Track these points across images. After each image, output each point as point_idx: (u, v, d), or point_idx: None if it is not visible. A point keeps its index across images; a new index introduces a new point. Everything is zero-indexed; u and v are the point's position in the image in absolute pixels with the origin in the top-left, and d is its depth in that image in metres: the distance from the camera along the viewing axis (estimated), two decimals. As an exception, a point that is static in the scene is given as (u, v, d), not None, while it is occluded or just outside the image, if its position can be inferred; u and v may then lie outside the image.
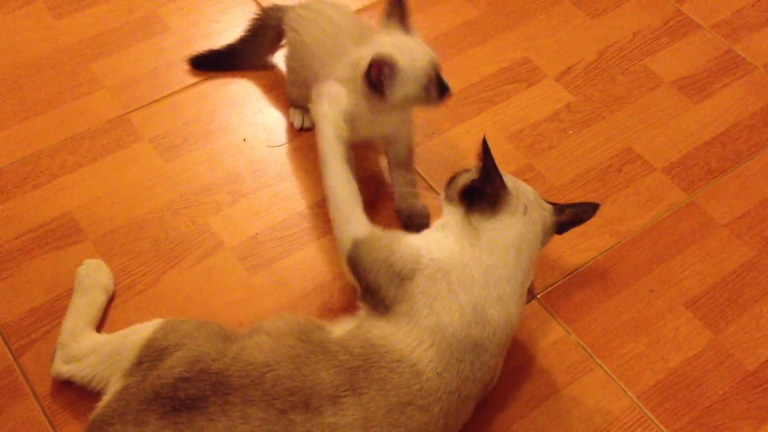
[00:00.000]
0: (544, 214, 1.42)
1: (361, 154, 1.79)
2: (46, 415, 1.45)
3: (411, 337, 1.26)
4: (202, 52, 1.94)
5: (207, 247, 1.67)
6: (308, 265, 1.65)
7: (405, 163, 1.68)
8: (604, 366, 1.54)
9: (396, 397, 1.21)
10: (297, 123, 1.83)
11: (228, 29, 2.00)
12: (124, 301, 1.59)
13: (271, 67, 1.95)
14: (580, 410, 1.49)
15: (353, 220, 1.42)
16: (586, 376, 1.53)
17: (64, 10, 2.05)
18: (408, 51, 1.50)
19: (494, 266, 1.31)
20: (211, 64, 1.94)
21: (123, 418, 1.23)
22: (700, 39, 2.07)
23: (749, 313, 1.62)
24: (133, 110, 1.88)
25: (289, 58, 1.79)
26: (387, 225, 1.46)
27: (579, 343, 1.57)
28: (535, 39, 2.05)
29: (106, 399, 1.30)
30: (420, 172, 1.79)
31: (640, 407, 1.50)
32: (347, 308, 1.52)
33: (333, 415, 1.19)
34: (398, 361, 1.24)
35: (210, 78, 1.94)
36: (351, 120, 1.52)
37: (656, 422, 1.48)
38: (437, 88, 1.53)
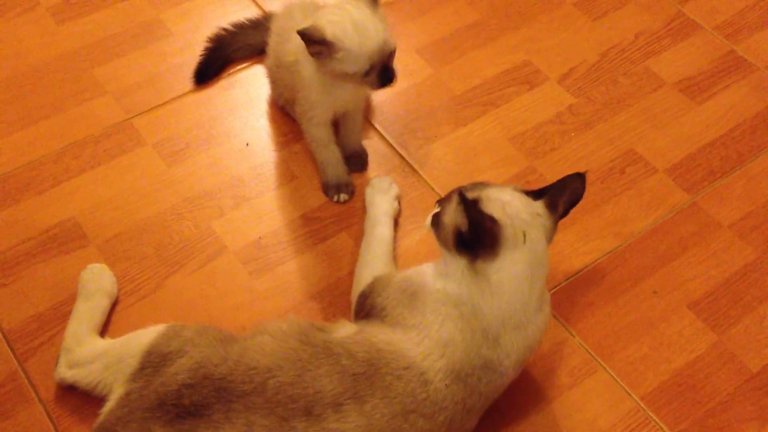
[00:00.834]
0: (541, 222, 1.34)
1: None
2: (52, 420, 1.45)
3: (421, 347, 1.26)
4: (199, 66, 1.94)
5: (210, 252, 1.67)
6: (310, 270, 1.66)
7: (359, 120, 1.76)
8: (607, 368, 1.54)
9: (401, 405, 1.22)
10: (336, 199, 1.76)
11: (230, 34, 2.01)
12: (128, 306, 1.59)
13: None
14: (584, 413, 1.49)
15: (384, 264, 1.53)
16: (589, 378, 1.53)
17: (66, 16, 2.06)
18: (355, 29, 1.49)
19: (508, 303, 1.28)
20: (213, 69, 1.94)
21: (127, 426, 1.23)
22: (702, 40, 2.07)
23: (753, 315, 1.61)
24: (136, 115, 1.88)
25: (267, 59, 1.83)
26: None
27: (582, 345, 1.57)
28: (536, 41, 2.05)
29: (109, 406, 1.31)
30: (423, 175, 1.79)
31: (644, 409, 1.50)
32: (348, 313, 1.52)
33: (335, 421, 1.19)
34: (406, 368, 1.24)
35: (212, 83, 1.94)
36: (325, 92, 1.59)
37: (660, 424, 1.48)
38: (379, 75, 1.53)
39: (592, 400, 1.50)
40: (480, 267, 1.29)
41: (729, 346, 1.57)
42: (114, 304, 1.58)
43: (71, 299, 1.57)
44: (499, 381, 1.30)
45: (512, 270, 1.28)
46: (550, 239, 1.37)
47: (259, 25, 1.94)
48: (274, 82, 1.85)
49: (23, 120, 1.87)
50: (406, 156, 1.83)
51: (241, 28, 1.95)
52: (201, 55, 1.94)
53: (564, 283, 1.64)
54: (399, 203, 1.71)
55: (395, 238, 1.66)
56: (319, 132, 1.70)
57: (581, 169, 1.35)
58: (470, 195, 1.32)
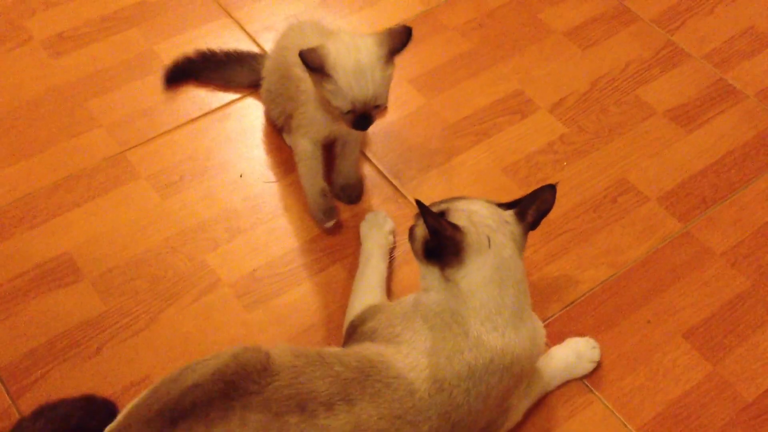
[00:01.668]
0: (509, 229, 1.37)
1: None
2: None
3: (409, 358, 1.31)
4: (170, 66, 1.97)
5: (205, 285, 1.67)
6: (305, 302, 1.65)
7: (355, 149, 1.78)
8: (603, 399, 1.54)
9: (388, 410, 1.26)
10: (324, 224, 1.77)
11: (223, 65, 2.02)
12: (123, 340, 1.58)
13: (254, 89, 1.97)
14: (580, 444, 1.49)
15: (377, 294, 1.57)
16: (585, 410, 1.52)
17: (59, 50, 2.07)
18: (354, 71, 1.51)
19: (481, 306, 1.32)
20: (183, 72, 1.98)
21: None
22: (692, 69, 2.09)
23: (747, 343, 1.62)
24: (130, 148, 1.89)
25: (266, 80, 1.85)
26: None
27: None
28: (528, 71, 2.07)
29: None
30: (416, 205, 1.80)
31: (640, 440, 1.50)
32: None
33: (325, 418, 1.22)
34: (395, 377, 1.28)
35: (206, 114, 1.95)
36: (324, 109, 1.62)
37: (657, 455, 1.48)
38: (355, 119, 1.57)
39: (588, 432, 1.50)
40: (450, 274, 1.34)
41: (724, 374, 1.58)
42: (108, 339, 1.58)
43: (65, 335, 1.56)
44: (489, 393, 1.32)
45: (479, 274, 1.33)
46: (521, 248, 1.40)
47: (246, 62, 1.96)
48: (276, 98, 1.83)
49: (17, 153, 1.87)
50: (399, 186, 1.84)
51: (228, 57, 1.97)
52: (178, 61, 1.97)
53: (559, 313, 1.65)
54: (394, 237, 1.71)
55: (390, 271, 1.67)
56: (308, 146, 1.71)
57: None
58: (440, 207, 1.39)
